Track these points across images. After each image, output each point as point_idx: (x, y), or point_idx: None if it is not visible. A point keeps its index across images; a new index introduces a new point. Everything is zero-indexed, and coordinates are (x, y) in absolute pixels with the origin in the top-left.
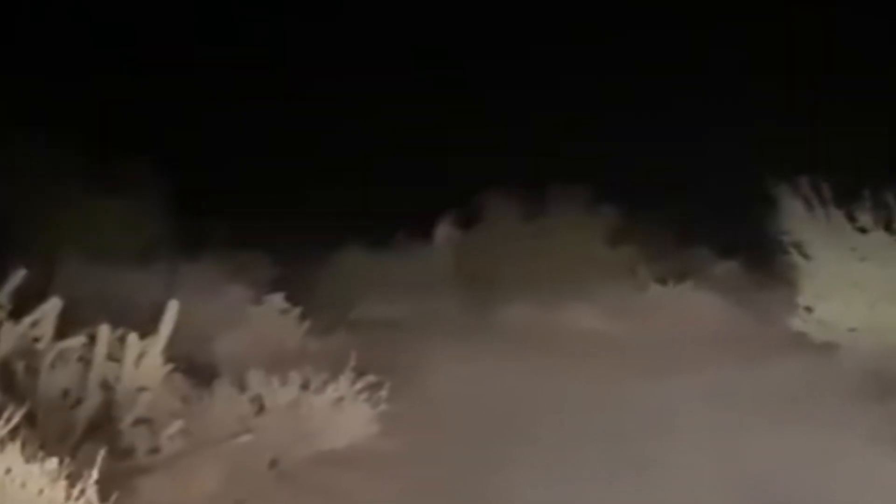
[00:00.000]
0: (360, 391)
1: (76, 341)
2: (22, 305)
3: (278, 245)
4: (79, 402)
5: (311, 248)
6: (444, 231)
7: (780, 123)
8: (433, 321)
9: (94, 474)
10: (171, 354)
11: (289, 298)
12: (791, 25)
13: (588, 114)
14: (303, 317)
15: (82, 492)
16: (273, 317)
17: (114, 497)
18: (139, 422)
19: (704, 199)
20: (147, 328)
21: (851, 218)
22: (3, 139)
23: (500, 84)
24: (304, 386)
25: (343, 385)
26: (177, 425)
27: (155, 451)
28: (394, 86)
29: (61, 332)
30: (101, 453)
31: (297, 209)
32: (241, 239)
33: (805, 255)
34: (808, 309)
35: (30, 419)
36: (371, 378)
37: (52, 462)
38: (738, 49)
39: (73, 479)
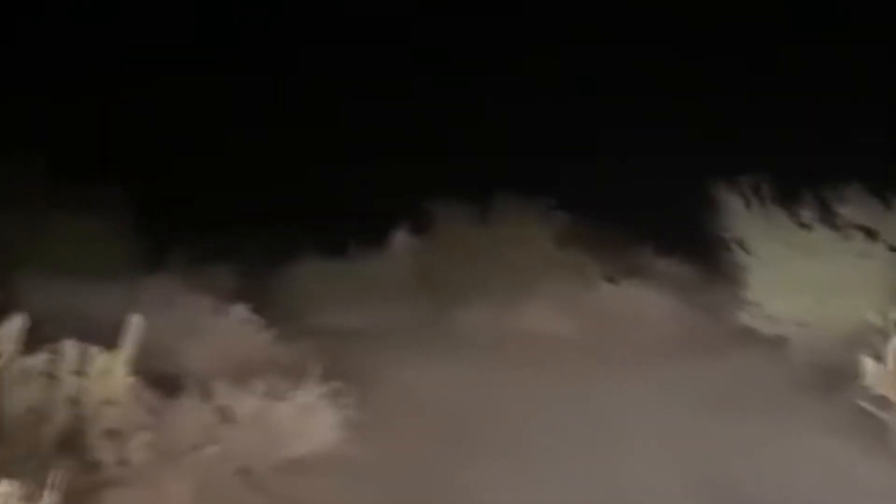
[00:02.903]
0: (325, 397)
1: (40, 358)
2: None
3: (238, 258)
4: (45, 418)
5: (270, 260)
6: (399, 239)
7: (721, 125)
8: (392, 328)
9: (50, 496)
10: (136, 368)
11: (252, 309)
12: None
13: (535, 121)
14: (266, 327)
15: None
16: (237, 327)
17: None
18: (106, 435)
19: (648, 199)
20: (111, 343)
21: (795, 216)
22: None
23: (449, 92)
24: (270, 394)
25: (308, 392)
26: (143, 437)
27: (123, 463)
28: (345, 95)
29: (26, 348)
30: (61, 472)
31: (254, 222)
32: (202, 253)
33: (748, 252)
34: (756, 304)
35: None
36: (336, 384)
37: (7, 484)
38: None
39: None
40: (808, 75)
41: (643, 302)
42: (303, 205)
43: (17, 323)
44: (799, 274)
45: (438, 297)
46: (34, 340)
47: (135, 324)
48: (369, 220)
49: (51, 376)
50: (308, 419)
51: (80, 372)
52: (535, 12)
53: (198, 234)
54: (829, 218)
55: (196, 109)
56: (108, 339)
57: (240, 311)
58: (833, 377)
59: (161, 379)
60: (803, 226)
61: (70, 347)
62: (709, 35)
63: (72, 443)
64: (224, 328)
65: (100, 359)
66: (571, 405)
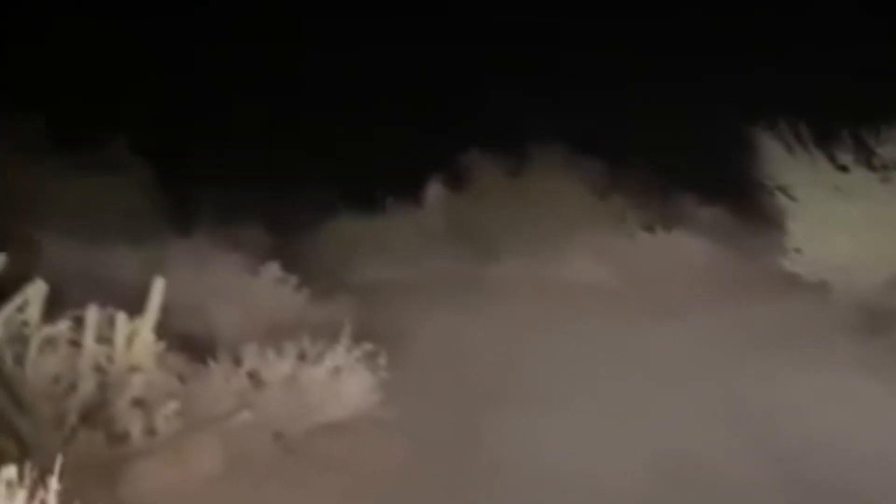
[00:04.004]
0: (358, 359)
1: (63, 325)
2: (6, 291)
3: (271, 215)
4: (71, 387)
5: (303, 217)
6: (434, 192)
7: (754, 67)
8: (428, 282)
9: (55, 483)
10: (165, 332)
11: (284, 267)
12: None
13: (571, 68)
14: (299, 285)
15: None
16: (269, 287)
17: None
18: (134, 404)
19: (687, 146)
20: (137, 307)
21: (832, 158)
22: None
23: (482, 41)
24: (302, 357)
25: (340, 354)
26: (172, 405)
27: (151, 433)
28: (377, 53)
29: (49, 316)
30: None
31: (287, 179)
32: (233, 211)
33: (791, 197)
34: (798, 250)
35: None
36: (368, 346)
37: (10, 470)
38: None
39: (34, 487)
40: (843, 17)
41: (683, 250)
42: (336, 159)
43: (38, 289)
44: (839, 217)
45: (475, 249)
46: (56, 307)
47: (159, 287)
48: (404, 174)
49: (75, 344)
50: (341, 382)
51: (105, 339)
52: None
53: (227, 192)
54: (867, 159)
55: (229, 69)
56: (134, 303)
57: (272, 269)
58: (876, 318)
59: (190, 343)
60: (842, 168)
61: (93, 313)
62: None
63: (98, 413)
64: (256, 288)
65: (125, 325)
66: (612, 355)
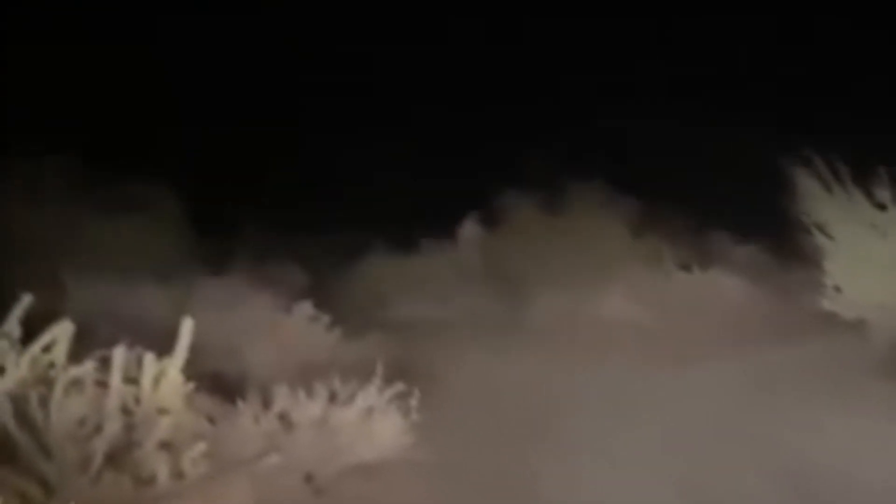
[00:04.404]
0: (390, 400)
1: (89, 366)
2: (34, 330)
3: (306, 254)
4: (97, 429)
5: (338, 255)
6: (469, 230)
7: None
8: (462, 321)
9: None
10: (194, 372)
11: (318, 306)
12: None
13: (604, 105)
14: (332, 324)
15: None
16: (302, 326)
17: None
18: (161, 446)
19: (723, 184)
20: (167, 347)
21: (869, 195)
22: (14, 160)
23: (515, 81)
24: (333, 398)
25: (372, 395)
26: (199, 448)
27: (178, 476)
28: (414, 90)
29: (76, 355)
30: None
31: (321, 217)
32: (268, 250)
33: (828, 235)
34: (836, 288)
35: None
36: (400, 386)
37: None
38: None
39: None
40: (881, 54)
41: (720, 289)
42: (371, 198)
43: (65, 329)
44: (876, 255)
45: (510, 288)
46: (83, 347)
47: (187, 327)
48: (438, 212)
49: (101, 385)
50: (373, 423)
51: (132, 379)
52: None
53: (262, 231)
54: None
55: (256, 104)
56: (164, 343)
57: (305, 308)
58: None
59: (221, 384)
60: (880, 206)
61: (121, 354)
62: (782, 16)
63: (124, 455)
64: (288, 327)
65: (153, 365)
66: (648, 395)
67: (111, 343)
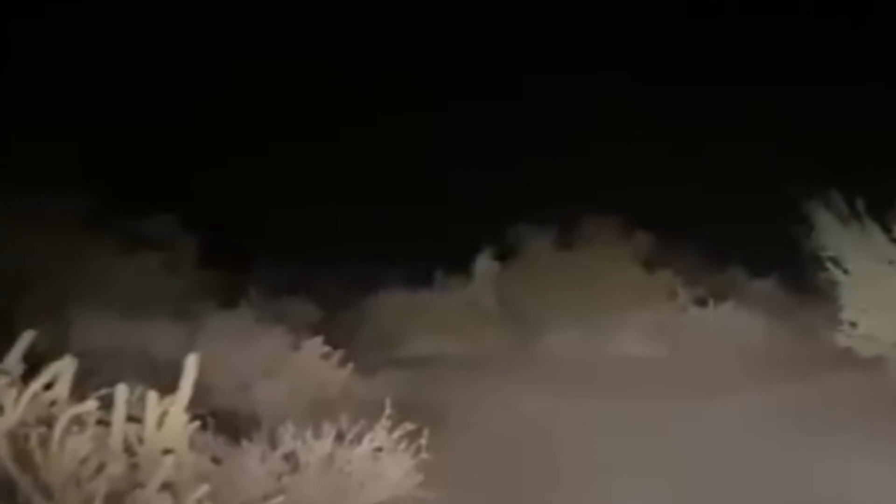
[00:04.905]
0: (400, 439)
1: (91, 404)
2: (38, 367)
3: (319, 289)
4: (99, 469)
5: (352, 292)
6: (483, 265)
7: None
8: (477, 357)
9: None
10: (203, 409)
11: (330, 342)
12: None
13: (614, 142)
14: (344, 360)
15: None
16: (312, 362)
17: None
18: (163, 487)
19: (738, 219)
20: (174, 384)
21: (886, 230)
22: (27, 194)
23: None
24: (342, 437)
25: (380, 434)
26: (203, 490)
27: None
28: (423, 124)
29: (79, 393)
30: None
31: (335, 252)
32: (280, 285)
33: (844, 270)
34: (853, 324)
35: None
36: (409, 426)
37: None
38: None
39: None
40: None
41: (735, 324)
42: (384, 234)
43: (68, 365)
44: (894, 291)
45: (525, 324)
46: (87, 384)
47: (192, 364)
48: (452, 248)
49: (104, 423)
50: (381, 463)
51: (135, 418)
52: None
53: (276, 267)
54: None
55: (268, 140)
56: (171, 380)
57: (316, 344)
58: None
59: (227, 422)
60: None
61: (123, 391)
62: (796, 52)
63: (126, 497)
64: (298, 364)
65: (157, 403)
66: (663, 433)
67: (116, 380)
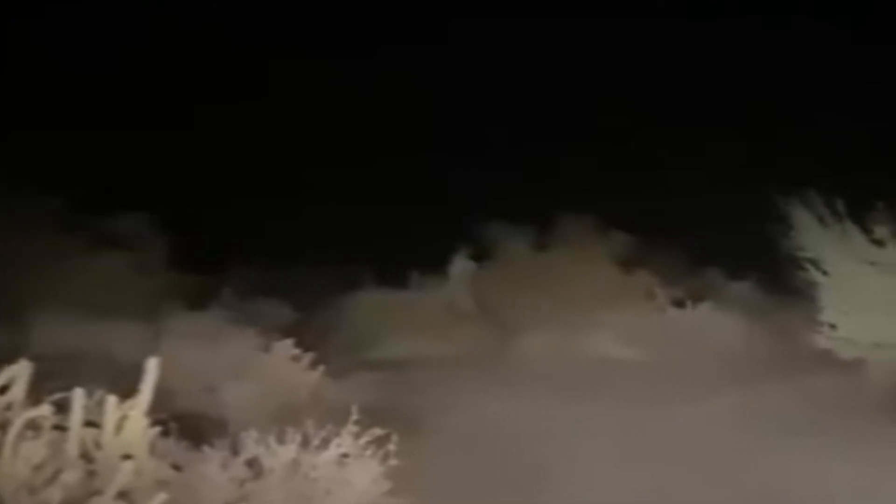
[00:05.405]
0: (368, 445)
1: (45, 408)
2: None
3: (293, 290)
4: (54, 476)
5: (326, 292)
6: (459, 266)
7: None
8: (452, 359)
9: None
10: (166, 413)
11: (303, 344)
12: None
13: (593, 142)
14: (315, 363)
15: None
16: (282, 365)
17: None
18: (119, 496)
19: (716, 219)
20: (136, 388)
21: (866, 230)
22: None
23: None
24: (308, 443)
25: (346, 440)
26: (160, 498)
27: None
28: (400, 126)
29: (36, 397)
30: None
31: (310, 253)
32: (253, 286)
33: (822, 271)
34: (832, 326)
35: None
36: (377, 431)
37: None
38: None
39: None
40: (877, 88)
41: (713, 326)
42: (359, 234)
43: (23, 368)
44: (874, 292)
45: (501, 325)
46: (43, 388)
47: (153, 367)
48: (428, 249)
49: (60, 429)
50: (348, 470)
51: (94, 423)
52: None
53: (249, 267)
54: None
55: (236, 137)
56: (135, 384)
57: (287, 346)
58: None
59: (192, 427)
60: (877, 242)
61: (80, 395)
62: (796, 52)
63: None
64: (268, 366)
65: (115, 407)
66: (639, 433)
67: (75, 384)
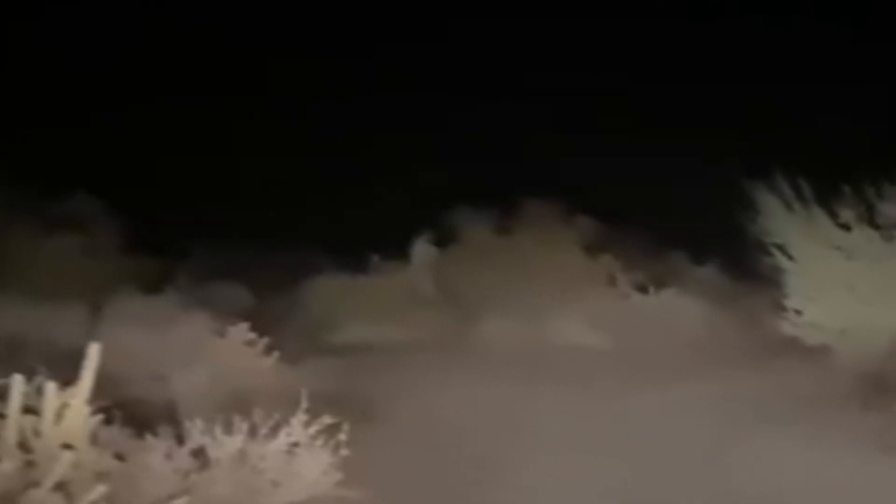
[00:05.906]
0: (320, 434)
1: None
2: None
3: (251, 274)
4: None
5: (285, 275)
6: (420, 250)
7: (751, 121)
8: (412, 345)
9: None
10: (110, 401)
11: (259, 328)
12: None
13: (556, 126)
14: (270, 348)
15: None
16: (235, 350)
17: None
18: (56, 488)
19: (681, 203)
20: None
21: (833, 215)
22: None
23: (467, 99)
24: (256, 432)
25: (297, 429)
26: (99, 490)
27: None
28: (360, 110)
29: None
30: None
31: (271, 237)
32: (210, 269)
33: (788, 256)
34: (798, 311)
35: None
36: (328, 419)
37: None
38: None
39: None
40: (844, 71)
41: (677, 311)
42: (320, 216)
43: None
44: (840, 277)
45: (462, 310)
46: None
47: (94, 353)
48: (389, 232)
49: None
50: (298, 460)
51: (33, 411)
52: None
53: (206, 250)
54: (870, 217)
55: (197, 117)
56: (77, 370)
57: (242, 331)
58: (878, 387)
59: (139, 415)
60: (843, 226)
61: (19, 382)
62: (744, 34)
63: (19, 497)
64: (220, 351)
65: (56, 395)
66: (603, 421)
67: (15, 370)
